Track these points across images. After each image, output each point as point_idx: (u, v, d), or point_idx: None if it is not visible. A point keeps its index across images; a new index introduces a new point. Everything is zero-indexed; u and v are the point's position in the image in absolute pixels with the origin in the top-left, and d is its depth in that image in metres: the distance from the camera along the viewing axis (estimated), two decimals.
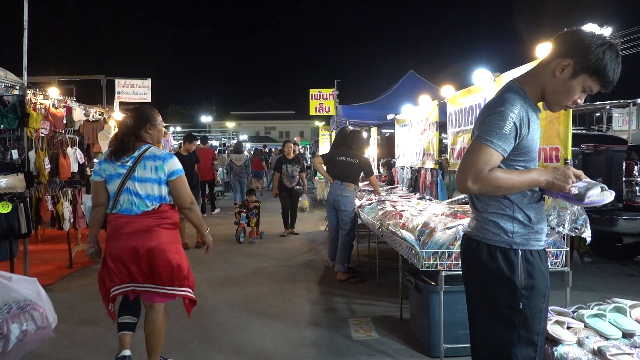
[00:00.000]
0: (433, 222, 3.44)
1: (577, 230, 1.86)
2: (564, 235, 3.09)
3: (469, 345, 3.20)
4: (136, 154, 2.93)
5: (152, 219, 2.92)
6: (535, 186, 1.79)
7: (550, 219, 1.91)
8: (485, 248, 1.87)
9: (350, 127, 7.05)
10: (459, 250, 3.03)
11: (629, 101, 9.01)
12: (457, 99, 5.00)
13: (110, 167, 2.93)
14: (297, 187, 8.46)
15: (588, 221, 1.89)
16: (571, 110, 3.09)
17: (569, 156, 3.09)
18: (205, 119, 41.86)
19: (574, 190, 1.77)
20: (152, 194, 2.92)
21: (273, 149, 23.46)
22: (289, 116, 54.35)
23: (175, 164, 2.98)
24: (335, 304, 4.69)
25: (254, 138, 43.31)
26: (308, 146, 25.64)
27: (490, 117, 1.79)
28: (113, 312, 3.15)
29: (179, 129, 28.38)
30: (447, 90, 5.15)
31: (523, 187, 1.78)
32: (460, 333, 3.32)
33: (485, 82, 4.19)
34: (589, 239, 1.91)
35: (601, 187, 1.77)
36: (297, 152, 10.54)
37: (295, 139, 13.87)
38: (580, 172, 1.81)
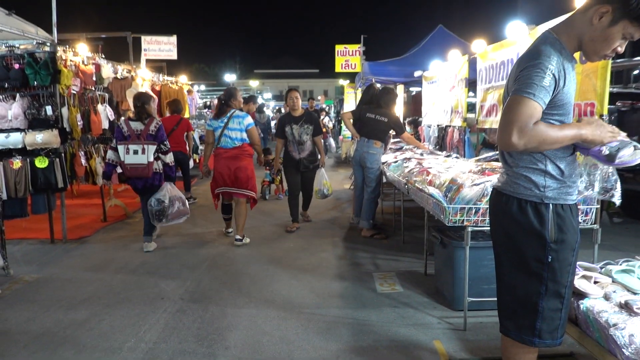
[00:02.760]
0: (460, 178, 3.43)
1: (607, 193, 1.83)
2: (595, 193, 3.05)
3: (491, 299, 3.27)
4: (228, 115, 5.25)
5: (238, 150, 5.26)
6: (578, 140, 1.76)
7: (580, 180, 1.88)
8: (515, 202, 1.87)
9: (378, 85, 6.94)
10: (486, 206, 3.06)
11: None
12: (488, 54, 4.84)
13: (215, 123, 5.33)
14: (310, 157, 5.85)
15: (619, 183, 1.86)
16: (609, 63, 2.98)
17: (605, 112, 3.00)
18: (229, 77, 41.67)
19: (605, 150, 1.73)
20: (237, 137, 5.24)
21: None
22: (313, 75, 53.61)
23: (250, 120, 5.37)
24: (360, 259, 4.79)
25: (278, 97, 43.06)
26: (333, 105, 25.37)
27: (527, 69, 1.74)
28: (216, 205, 5.66)
29: (203, 87, 28.41)
30: (478, 45, 4.99)
31: (566, 142, 1.75)
32: (484, 288, 3.38)
33: (520, 36, 4.04)
34: (618, 202, 1.89)
35: (634, 147, 1.73)
36: (312, 108, 9.77)
37: (319, 97, 13.72)
38: (612, 128, 1.77)
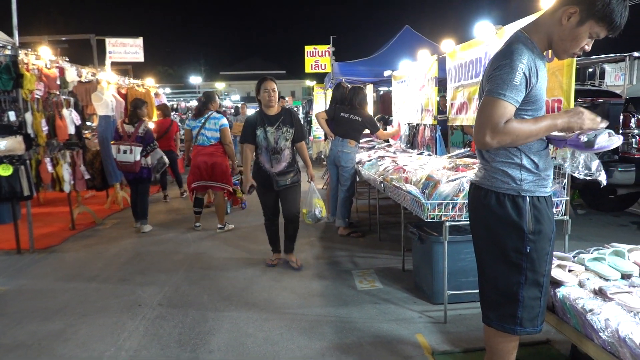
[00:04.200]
0: (436, 175, 3.51)
1: (591, 175, 1.92)
2: (564, 185, 3.19)
3: (469, 291, 3.40)
4: (205, 116, 5.78)
5: (214, 148, 5.76)
6: (553, 130, 1.84)
7: (565, 165, 1.97)
8: (494, 196, 1.94)
9: (347, 84, 6.98)
10: (463, 201, 3.14)
11: (625, 55, 8.98)
12: (456, 53, 4.96)
13: (193, 122, 5.87)
14: (288, 170, 4.33)
15: (601, 166, 1.96)
16: (574, 61, 3.11)
17: (572, 106, 3.12)
18: (195, 79, 41.08)
19: (584, 138, 1.82)
20: (213, 136, 5.74)
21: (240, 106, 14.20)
22: (280, 76, 53.36)
23: (224, 122, 5.84)
24: (338, 258, 4.82)
25: (245, 99, 42.66)
26: (301, 106, 25.35)
27: (499, 69, 1.81)
28: (192, 198, 6.09)
29: (168, 90, 27.89)
30: (447, 45, 5.11)
31: (541, 134, 1.83)
32: (462, 281, 3.48)
33: (487, 35, 4.16)
34: (604, 182, 1.98)
35: (609, 133, 1.83)
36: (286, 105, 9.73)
37: (287, 98, 13.60)
38: (593, 115, 1.85)
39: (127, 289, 4.09)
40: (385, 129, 8.67)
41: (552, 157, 2.01)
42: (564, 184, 3.16)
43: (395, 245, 5.06)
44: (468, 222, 3.22)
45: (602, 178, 1.94)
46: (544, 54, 1.94)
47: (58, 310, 3.69)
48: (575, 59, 3.08)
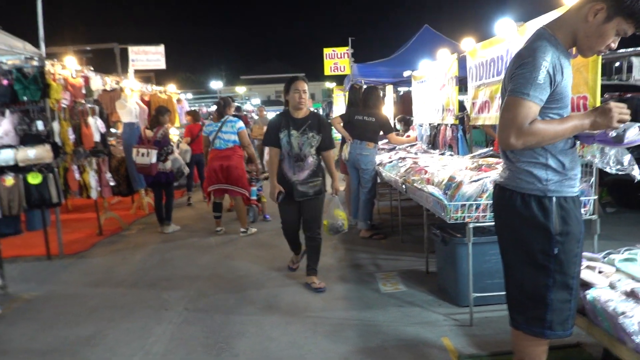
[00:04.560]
0: (459, 175, 3.46)
1: (624, 170, 1.87)
2: (592, 184, 3.11)
3: (495, 293, 3.33)
4: (222, 120, 5.92)
5: (230, 151, 5.85)
6: (580, 131, 1.80)
7: (596, 161, 1.92)
8: (519, 197, 1.90)
9: (359, 84, 6.92)
10: (486, 202, 3.09)
11: None
12: (477, 52, 4.90)
13: (210, 127, 6.02)
14: (310, 180, 4.00)
15: (634, 160, 1.90)
16: (600, 58, 3.03)
17: (598, 104, 3.04)
18: (216, 84, 41.56)
19: (612, 133, 1.78)
20: (229, 139, 5.84)
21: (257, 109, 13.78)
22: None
23: (241, 124, 5.94)
24: (360, 260, 4.80)
25: (265, 102, 43.03)
26: (321, 108, 25.38)
27: (521, 68, 1.78)
28: (209, 202, 6.23)
29: (190, 95, 28.33)
30: (467, 43, 5.04)
31: (567, 135, 1.79)
32: (488, 283, 3.41)
33: (508, 33, 4.09)
34: (638, 177, 1.93)
35: (639, 127, 1.78)
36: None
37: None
38: (622, 105, 1.79)
39: (153, 294, 4.15)
40: (407, 130, 8.63)
41: (580, 155, 1.96)
42: (592, 182, 3.07)
43: (418, 247, 5.01)
44: (492, 223, 3.20)
45: (636, 172, 1.88)
46: (569, 51, 1.89)
47: (87, 315, 3.77)
48: (599, 57, 3.02)
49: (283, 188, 3.98)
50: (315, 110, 6.29)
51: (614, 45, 1.81)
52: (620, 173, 1.89)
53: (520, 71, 1.77)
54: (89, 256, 5.50)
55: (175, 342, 3.22)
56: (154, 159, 5.93)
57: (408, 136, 8.45)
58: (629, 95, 5.73)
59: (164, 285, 4.35)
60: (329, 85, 36.91)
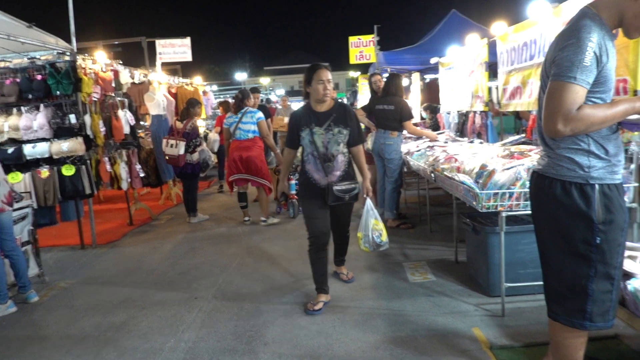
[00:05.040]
0: (490, 164, 3.38)
1: None
2: (631, 170, 2.98)
3: (528, 284, 3.26)
4: (242, 111, 5.97)
5: (250, 142, 5.92)
6: (630, 114, 1.73)
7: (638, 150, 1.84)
8: (559, 184, 1.83)
9: (379, 76, 6.77)
10: (520, 190, 3.01)
11: None
12: (508, 36, 4.75)
13: (230, 119, 6.05)
14: (344, 182, 3.47)
15: None
16: None
17: (639, 87, 2.92)
18: (240, 76, 41.82)
19: None
20: (250, 129, 5.91)
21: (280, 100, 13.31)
22: None
23: (260, 115, 5.98)
24: (388, 250, 4.71)
25: (289, 93, 43.09)
26: (345, 97, 25.23)
27: (567, 49, 1.70)
28: (232, 191, 6.33)
29: (215, 87, 28.56)
30: (498, 27, 4.90)
31: (617, 119, 1.72)
32: (520, 272, 3.34)
33: (542, 15, 3.95)
34: None
35: None
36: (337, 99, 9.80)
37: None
38: None
39: (184, 283, 4.22)
40: (433, 118, 8.49)
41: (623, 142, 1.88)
42: (632, 169, 2.95)
43: (447, 237, 4.94)
44: (525, 212, 3.12)
45: None
46: (613, 32, 1.80)
47: (120, 302, 3.86)
48: None
49: (310, 193, 3.48)
50: (341, 100, 5.95)
51: None
52: None
53: (564, 54, 1.69)
54: (121, 245, 5.63)
55: (205, 330, 3.26)
56: (182, 151, 6.06)
57: (427, 125, 8.24)
58: None
59: (194, 274, 4.42)
60: (353, 74, 36.71)
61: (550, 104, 1.72)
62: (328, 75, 3.39)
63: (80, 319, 3.60)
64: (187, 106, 6.35)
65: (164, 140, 6.21)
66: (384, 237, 3.56)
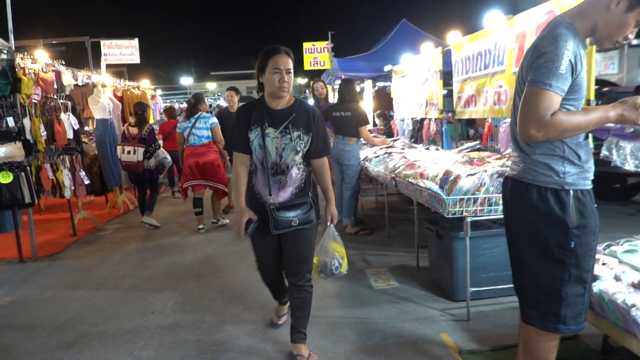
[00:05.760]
0: (454, 169, 3.43)
1: None
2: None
3: (490, 287, 3.33)
4: (195, 116, 5.88)
5: (205, 148, 5.84)
6: (605, 123, 1.77)
7: (614, 158, 1.90)
8: (535, 190, 1.86)
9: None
10: (484, 195, 3.07)
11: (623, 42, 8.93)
12: (463, 45, 4.89)
13: (184, 124, 5.94)
14: (298, 202, 2.67)
15: None
16: (594, 49, 3.04)
17: (592, 97, 3.07)
18: (186, 80, 40.86)
19: (629, 128, 1.76)
20: (203, 135, 5.83)
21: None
22: None
23: (214, 120, 5.96)
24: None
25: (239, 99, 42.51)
26: None
27: (543, 56, 1.73)
28: (185, 198, 6.27)
29: (160, 92, 27.67)
30: (453, 37, 5.04)
31: (590, 127, 1.76)
32: (482, 277, 3.41)
33: (497, 25, 4.09)
34: None
35: None
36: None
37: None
38: None
39: (137, 296, 3.99)
40: (386, 125, 8.62)
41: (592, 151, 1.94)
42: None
43: (406, 242, 4.99)
44: (489, 217, 3.19)
45: None
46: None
47: (67, 320, 3.58)
48: (594, 47, 3.04)
49: (255, 214, 2.67)
50: (304, 97, 5.71)
51: (631, 36, 1.79)
52: (639, 170, 1.86)
53: (541, 60, 1.72)
54: (65, 258, 5.26)
55: (165, 347, 3.08)
56: (140, 157, 6.03)
57: (381, 131, 8.37)
58: (605, 89, 5.85)
59: (148, 287, 4.19)
60: (301, 81, 36.69)
61: (525, 109, 1.75)
62: (288, 63, 2.60)
63: (24, 339, 3.30)
64: (141, 111, 6.27)
65: (119, 147, 6.20)
66: (344, 268, 2.95)
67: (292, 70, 2.63)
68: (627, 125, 1.76)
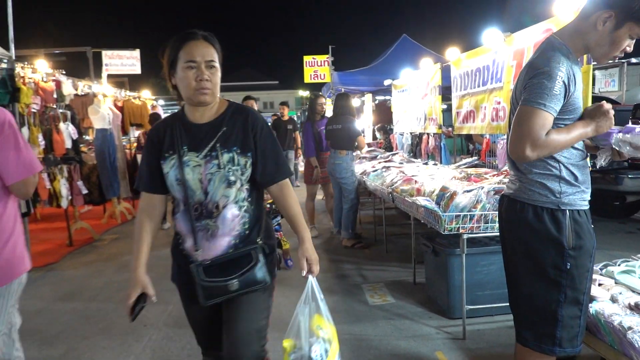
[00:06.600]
0: (451, 186, 3.42)
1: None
2: None
3: (487, 306, 3.29)
4: None
5: None
6: (585, 137, 1.80)
7: (626, 149, 1.87)
8: (531, 209, 1.84)
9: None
10: (480, 212, 3.05)
11: (622, 61, 8.98)
12: (462, 62, 4.91)
13: None
14: (235, 257, 1.85)
15: None
16: (591, 68, 3.05)
17: None
18: None
19: (601, 161, 1.82)
20: None
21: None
22: (273, 86, 53.41)
23: None
24: (346, 271, 4.70)
25: None
26: (295, 116, 25.27)
27: (537, 77, 1.73)
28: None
29: (162, 102, 27.78)
30: (451, 53, 5.06)
31: (573, 143, 1.79)
32: (478, 294, 3.37)
33: (495, 43, 4.10)
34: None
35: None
36: (285, 117, 9.55)
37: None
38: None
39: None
40: (386, 139, 8.63)
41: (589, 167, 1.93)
42: None
43: (403, 257, 4.96)
44: (485, 234, 3.16)
45: None
46: (578, 59, 1.86)
47: (58, 332, 3.54)
48: (591, 65, 3.04)
49: (182, 278, 2.01)
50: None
51: (629, 49, 1.79)
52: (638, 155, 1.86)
53: (535, 80, 1.72)
54: (59, 268, 5.22)
55: None
56: None
57: (380, 144, 8.43)
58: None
59: None
60: (302, 93, 36.85)
61: (520, 129, 1.74)
62: (208, 52, 1.81)
63: None
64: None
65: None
66: (334, 356, 1.90)
67: (216, 64, 1.82)
68: (600, 157, 1.81)
